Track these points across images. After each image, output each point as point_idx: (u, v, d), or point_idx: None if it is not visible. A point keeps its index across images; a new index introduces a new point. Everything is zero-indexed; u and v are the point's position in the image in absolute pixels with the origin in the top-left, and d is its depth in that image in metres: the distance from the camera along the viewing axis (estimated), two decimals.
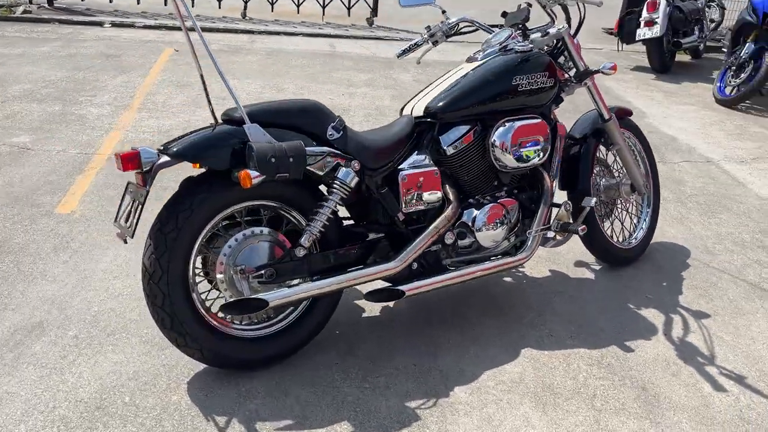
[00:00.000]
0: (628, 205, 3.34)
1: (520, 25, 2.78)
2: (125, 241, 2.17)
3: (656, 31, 7.25)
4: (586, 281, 3.10)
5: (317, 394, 2.23)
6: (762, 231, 3.76)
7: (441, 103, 2.54)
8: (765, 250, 3.52)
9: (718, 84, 6.60)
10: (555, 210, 2.80)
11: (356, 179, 2.30)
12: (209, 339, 2.19)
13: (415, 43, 2.91)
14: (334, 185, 2.27)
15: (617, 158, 3.17)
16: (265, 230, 2.28)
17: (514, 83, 2.59)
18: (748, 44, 6.34)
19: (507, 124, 2.60)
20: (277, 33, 8.72)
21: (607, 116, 2.99)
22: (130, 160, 2.04)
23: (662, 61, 7.58)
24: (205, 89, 2.16)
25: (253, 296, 2.15)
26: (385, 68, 7.17)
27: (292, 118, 2.24)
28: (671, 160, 4.87)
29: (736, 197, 4.24)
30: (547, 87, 2.69)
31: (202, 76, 2.14)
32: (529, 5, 2.78)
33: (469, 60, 2.76)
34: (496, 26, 2.85)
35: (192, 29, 2.03)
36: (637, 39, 7.40)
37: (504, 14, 2.90)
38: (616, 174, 3.21)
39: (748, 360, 2.57)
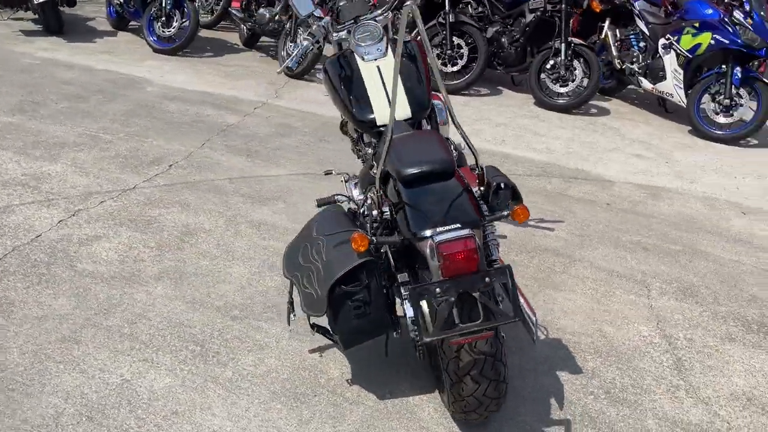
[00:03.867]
0: None
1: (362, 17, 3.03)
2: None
3: None
4: None
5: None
6: None
7: (420, 102, 2.73)
8: None
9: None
10: None
11: None
12: None
13: (305, 53, 2.78)
14: None
15: None
16: None
17: (429, 66, 2.99)
18: None
19: (438, 103, 2.99)
20: None
21: None
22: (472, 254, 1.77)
23: (57, 21, 7.19)
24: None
25: None
26: None
27: None
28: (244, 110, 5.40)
29: None
30: None
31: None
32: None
33: (365, 58, 2.86)
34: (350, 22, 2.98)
35: None
36: None
37: (338, 8, 3.04)
38: None
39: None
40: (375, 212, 2.13)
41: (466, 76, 6.40)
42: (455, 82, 6.41)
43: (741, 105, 5.67)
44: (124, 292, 2.81)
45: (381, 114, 2.73)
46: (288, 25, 6.43)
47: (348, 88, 2.83)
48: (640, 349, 2.79)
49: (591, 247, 3.61)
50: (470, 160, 2.62)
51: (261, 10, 6.86)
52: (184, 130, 4.77)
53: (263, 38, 7.45)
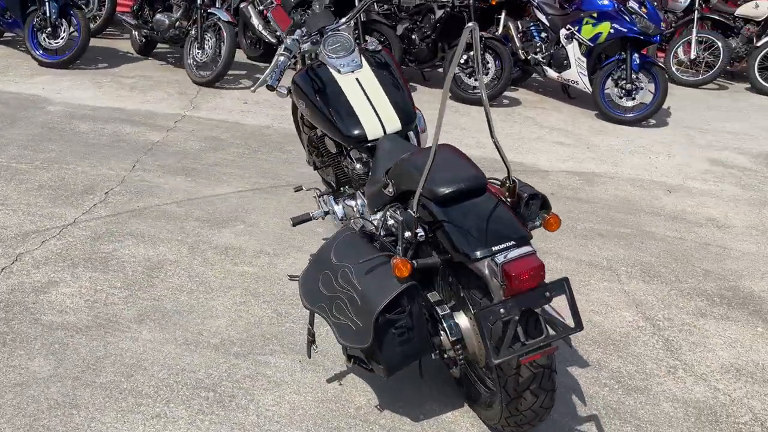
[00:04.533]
0: None
1: (327, 27, 2.93)
2: None
3: None
4: None
5: None
6: None
7: (407, 112, 2.71)
8: None
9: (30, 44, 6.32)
10: None
11: None
12: None
13: (282, 70, 2.64)
14: None
15: None
16: None
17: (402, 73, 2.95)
18: None
19: (418, 112, 2.95)
20: None
21: None
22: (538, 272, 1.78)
23: None
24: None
25: None
26: None
27: None
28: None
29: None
30: None
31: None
32: (330, 8, 2.96)
33: (342, 70, 2.77)
34: (315, 33, 2.87)
35: None
36: None
37: (303, 21, 2.92)
38: None
39: None
40: (408, 234, 2.07)
41: None
42: None
43: (641, 88, 6.08)
44: (107, 342, 2.56)
45: (371, 128, 2.67)
46: (193, 31, 6.10)
47: (327, 102, 2.73)
48: (631, 334, 2.93)
49: (552, 238, 3.73)
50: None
51: (158, 16, 6.45)
52: (106, 152, 4.40)
53: (159, 45, 7.04)
